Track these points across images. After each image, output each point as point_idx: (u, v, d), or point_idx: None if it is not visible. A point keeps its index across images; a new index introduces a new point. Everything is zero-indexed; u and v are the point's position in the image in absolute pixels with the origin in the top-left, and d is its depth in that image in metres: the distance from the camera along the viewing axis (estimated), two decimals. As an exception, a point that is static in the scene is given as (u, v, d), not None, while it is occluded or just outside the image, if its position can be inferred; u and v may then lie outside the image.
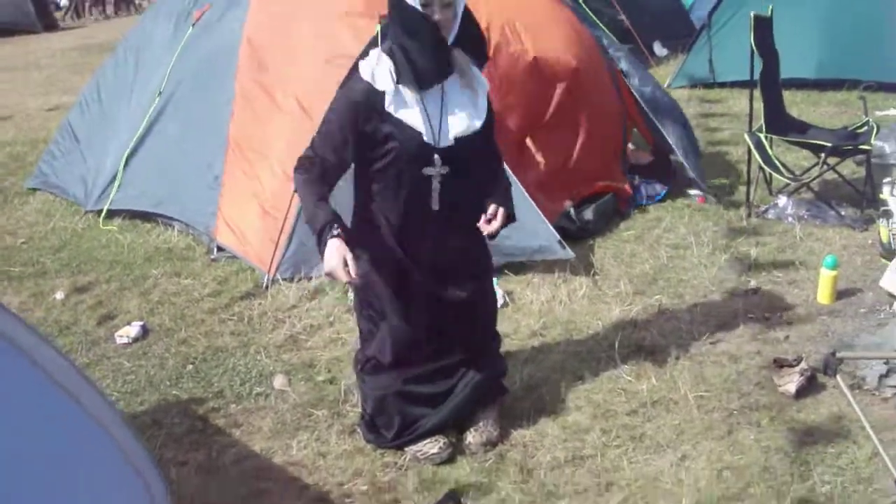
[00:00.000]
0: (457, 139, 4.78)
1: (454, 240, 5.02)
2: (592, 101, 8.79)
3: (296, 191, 5.00)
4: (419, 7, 4.58)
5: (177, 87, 9.01)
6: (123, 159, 9.18)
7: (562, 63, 8.44)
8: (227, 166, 8.11)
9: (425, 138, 4.72)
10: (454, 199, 4.88)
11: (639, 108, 9.44)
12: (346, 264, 4.59)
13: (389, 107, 4.70)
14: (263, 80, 8.09)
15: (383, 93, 4.71)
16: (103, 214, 9.18)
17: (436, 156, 4.77)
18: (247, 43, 8.35)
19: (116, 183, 9.19)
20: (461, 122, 4.80)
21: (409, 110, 4.72)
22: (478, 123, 4.84)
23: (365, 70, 4.76)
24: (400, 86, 4.69)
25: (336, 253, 4.59)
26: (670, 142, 8.98)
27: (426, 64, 4.66)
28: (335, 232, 4.63)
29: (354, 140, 4.78)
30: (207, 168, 8.28)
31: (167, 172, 8.83)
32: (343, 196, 5.16)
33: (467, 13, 4.74)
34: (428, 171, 4.79)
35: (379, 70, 4.73)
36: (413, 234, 4.98)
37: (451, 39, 4.65)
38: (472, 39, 4.81)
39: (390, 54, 4.70)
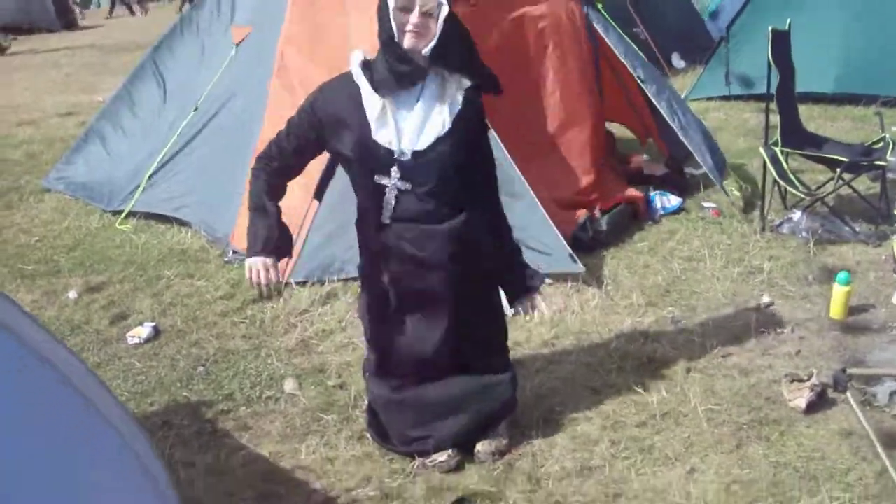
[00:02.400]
0: (416, 153, 4.74)
1: (419, 262, 4.94)
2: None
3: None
4: (393, 10, 4.60)
5: (213, 104, 9.07)
6: (152, 168, 9.23)
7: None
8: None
9: (383, 143, 4.72)
10: (412, 219, 4.85)
11: (655, 118, 9.45)
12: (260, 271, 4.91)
13: (364, 100, 4.74)
14: (294, 97, 8.09)
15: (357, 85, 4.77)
16: (123, 214, 9.22)
17: (394, 167, 4.75)
18: (280, 69, 8.36)
19: (140, 187, 9.22)
20: (421, 135, 4.76)
21: (376, 110, 4.73)
22: (430, 139, 4.75)
23: (352, 61, 4.85)
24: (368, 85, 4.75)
25: (256, 263, 4.93)
26: (690, 148, 8.97)
27: (384, 71, 4.69)
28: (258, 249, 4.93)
29: (320, 124, 4.89)
30: (232, 179, 8.30)
31: (191, 181, 8.91)
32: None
33: (458, 31, 4.73)
34: (381, 179, 4.78)
35: (355, 66, 4.82)
36: (372, 244, 5.00)
37: (426, 49, 4.60)
38: (458, 57, 4.76)
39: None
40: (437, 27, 4.59)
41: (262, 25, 8.97)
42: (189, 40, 9.94)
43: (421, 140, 4.73)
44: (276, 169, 5.04)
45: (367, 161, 4.76)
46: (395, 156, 4.71)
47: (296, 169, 5.11)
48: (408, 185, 4.75)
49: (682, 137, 9.05)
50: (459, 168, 4.84)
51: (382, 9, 4.65)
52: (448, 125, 4.75)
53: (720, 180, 8.93)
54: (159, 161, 9.20)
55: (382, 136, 4.71)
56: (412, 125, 4.73)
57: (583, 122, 8.94)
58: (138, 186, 9.27)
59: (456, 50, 4.71)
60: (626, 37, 9.39)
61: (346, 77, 4.85)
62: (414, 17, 4.55)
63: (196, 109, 9.09)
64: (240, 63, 8.99)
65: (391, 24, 4.60)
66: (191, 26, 10.00)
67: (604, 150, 9.43)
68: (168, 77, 10.02)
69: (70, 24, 31.70)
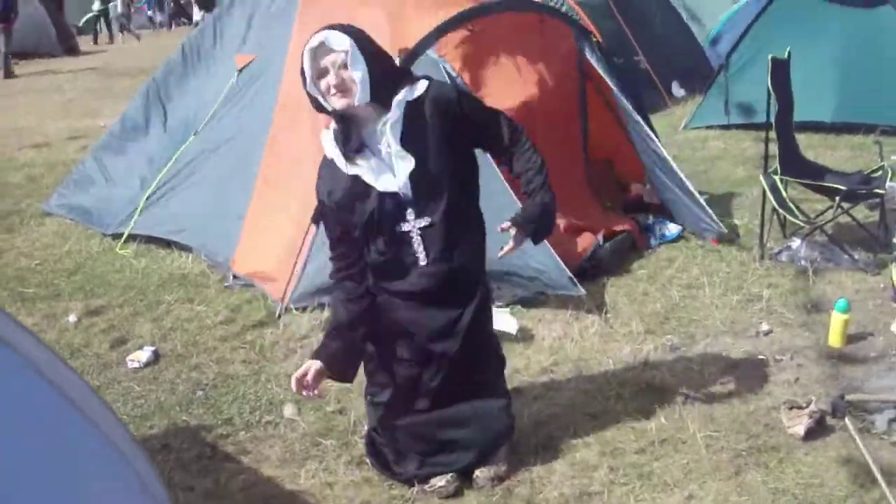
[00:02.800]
0: (414, 182, 4.74)
1: (447, 295, 4.99)
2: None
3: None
4: (311, 81, 4.63)
5: (214, 130, 9.13)
6: (149, 189, 9.26)
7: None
8: (251, 201, 8.18)
9: (387, 189, 4.74)
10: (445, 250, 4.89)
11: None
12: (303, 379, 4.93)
13: (346, 168, 4.75)
14: (295, 124, 8.12)
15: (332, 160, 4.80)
16: (123, 238, 9.25)
17: (409, 209, 4.78)
18: (283, 95, 8.42)
19: (138, 210, 9.24)
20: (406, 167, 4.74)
21: (360, 168, 4.75)
22: (410, 165, 4.73)
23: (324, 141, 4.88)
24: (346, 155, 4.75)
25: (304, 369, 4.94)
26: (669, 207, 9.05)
27: (342, 136, 4.73)
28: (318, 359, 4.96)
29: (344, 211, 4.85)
30: (233, 204, 8.35)
31: (191, 206, 8.93)
32: None
33: (375, 57, 4.69)
34: (403, 227, 4.80)
35: (326, 142, 4.85)
36: (405, 287, 4.97)
37: (362, 97, 4.56)
38: (388, 81, 4.72)
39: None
40: (359, 73, 4.55)
41: (264, 54, 9.01)
42: (191, 67, 9.97)
43: (405, 170, 4.74)
44: (351, 270, 4.99)
45: (386, 214, 4.77)
46: (403, 198, 4.73)
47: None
48: (426, 220, 4.79)
49: (661, 193, 9.10)
50: (452, 175, 4.87)
51: (305, 84, 4.68)
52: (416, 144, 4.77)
53: (713, 227, 8.89)
54: (157, 184, 9.24)
55: (383, 183, 4.72)
56: (394, 161, 4.75)
57: (571, 152, 8.99)
58: (136, 209, 9.29)
59: (383, 78, 4.67)
60: (613, 76, 9.36)
61: (323, 160, 4.93)
62: (332, 79, 4.56)
63: (196, 134, 9.12)
64: (241, 90, 9.02)
65: (316, 96, 4.66)
66: (193, 53, 10.03)
67: (586, 179, 9.44)
68: (169, 103, 10.05)
69: (72, 49, 31.86)
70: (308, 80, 4.61)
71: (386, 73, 4.69)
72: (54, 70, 26.54)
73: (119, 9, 40.69)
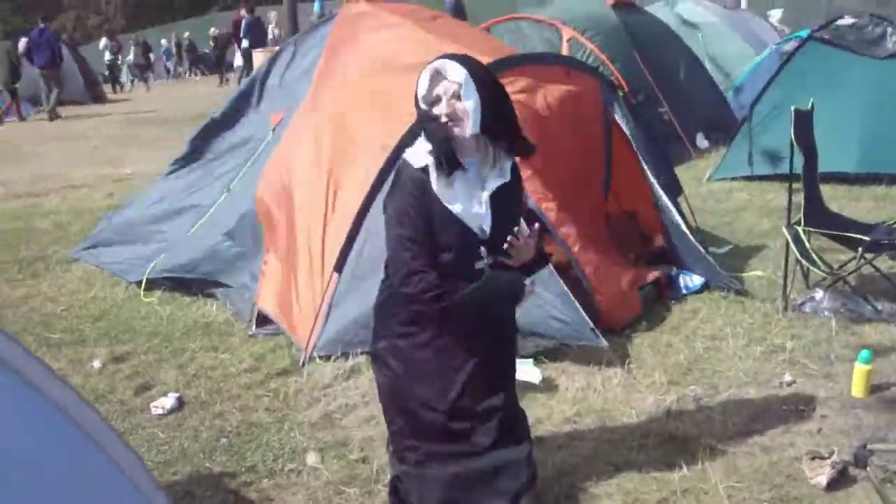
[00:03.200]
0: (494, 228, 4.75)
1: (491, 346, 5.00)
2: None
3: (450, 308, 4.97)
4: (424, 106, 4.65)
5: (246, 187, 9.17)
6: (177, 243, 9.37)
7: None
8: (276, 251, 8.23)
9: (472, 228, 4.73)
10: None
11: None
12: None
13: (438, 191, 4.70)
14: (321, 173, 8.18)
15: (428, 179, 4.72)
16: (143, 284, 9.31)
17: (482, 247, 4.77)
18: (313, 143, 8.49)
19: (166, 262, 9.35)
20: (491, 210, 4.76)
21: (452, 198, 4.72)
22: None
23: (412, 156, 4.80)
24: (441, 175, 4.68)
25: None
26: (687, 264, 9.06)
27: (441, 158, 4.66)
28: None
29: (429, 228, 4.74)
30: (256, 252, 8.42)
31: (218, 254, 8.99)
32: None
33: (498, 97, 4.73)
34: (479, 264, 4.79)
35: (423, 154, 4.73)
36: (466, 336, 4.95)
37: (471, 129, 4.58)
38: (504, 125, 4.76)
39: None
40: (471, 103, 4.58)
41: (292, 111, 9.11)
42: (230, 124, 10.08)
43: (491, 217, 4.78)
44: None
45: (462, 250, 4.78)
46: (480, 237, 4.76)
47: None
48: (490, 260, 4.81)
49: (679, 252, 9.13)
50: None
51: (420, 115, 4.72)
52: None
53: (730, 283, 8.90)
54: (186, 235, 9.30)
55: (470, 219, 4.73)
56: (484, 204, 4.77)
57: (596, 207, 9.01)
58: (159, 259, 9.37)
59: (494, 112, 4.69)
60: (637, 131, 9.37)
61: (414, 172, 4.77)
62: (444, 108, 4.58)
63: (229, 191, 9.18)
64: (276, 146, 9.09)
65: (433, 124, 4.63)
66: (237, 109, 10.14)
67: (609, 232, 9.45)
68: (204, 161, 10.14)
69: (98, 97, 32.14)
70: (420, 102, 4.66)
71: (498, 110, 4.71)
72: (81, 117, 26.74)
73: (132, 58, 41.28)
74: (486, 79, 4.70)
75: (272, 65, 10.16)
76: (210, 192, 9.69)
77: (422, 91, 4.65)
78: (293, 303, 7.89)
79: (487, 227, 4.75)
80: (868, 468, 5.58)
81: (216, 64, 40.94)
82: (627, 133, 9.07)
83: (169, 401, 7.08)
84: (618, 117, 9.07)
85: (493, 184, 4.76)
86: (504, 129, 4.76)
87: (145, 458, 6.24)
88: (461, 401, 4.96)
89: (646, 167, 9.05)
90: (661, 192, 9.02)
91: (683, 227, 9.10)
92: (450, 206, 4.67)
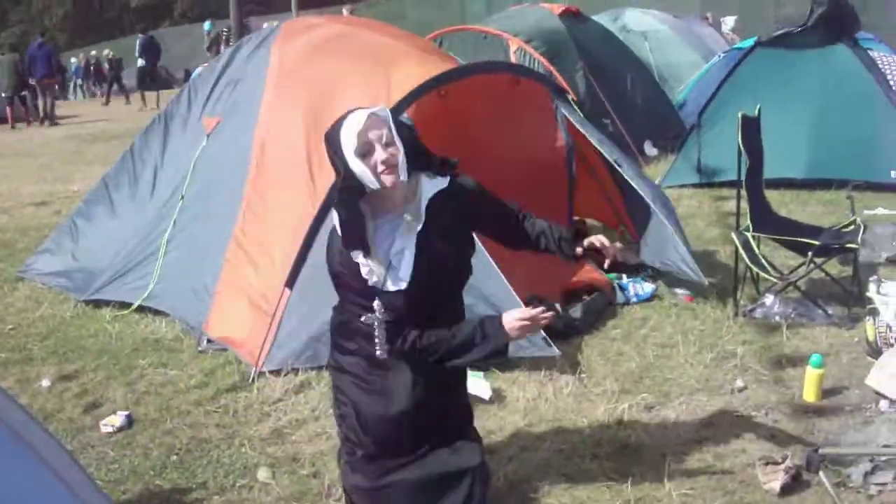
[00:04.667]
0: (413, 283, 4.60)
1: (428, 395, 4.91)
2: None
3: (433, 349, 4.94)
4: (353, 159, 4.42)
5: (189, 194, 9.09)
6: (124, 256, 9.26)
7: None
8: (225, 263, 8.16)
9: (369, 280, 4.58)
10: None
11: (627, 205, 9.53)
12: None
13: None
14: (269, 183, 8.15)
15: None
16: (133, 307, 9.21)
17: (377, 301, 4.60)
18: (258, 150, 8.48)
19: (115, 277, 9.23)
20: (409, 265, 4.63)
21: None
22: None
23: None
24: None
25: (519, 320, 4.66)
26: (670, 228, 8.97)
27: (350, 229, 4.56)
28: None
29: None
30: (206, 268, 8.35)
31: (166, 270, 8.89)
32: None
33: (405, 130, 4.65)
34: (368, 318, 4.64)
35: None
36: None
37: (403, 175, 4.45)
38: (427, 158, 4.68)
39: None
40: (399, 145, 4.46)
41: (230, 117, 9.07)
42: (165, 133, 10.00)
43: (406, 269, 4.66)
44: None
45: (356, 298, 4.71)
46: (381, 288, 4.63)
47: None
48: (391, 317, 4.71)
49: (663, 219, 9.06)
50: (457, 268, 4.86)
51: (339, 163, 4.50)
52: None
53: (698, 273, 8.89)
54: (131, 251, 9.22)
55: (392, 283, 4.61)
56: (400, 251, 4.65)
57: (555, 214, 9.01)
58: (113, 276, 9.28)
59: (413, 153, 4.58)
60: (594, 131, 9.39)
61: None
62: (380, 155, 4.39)
63: (182, 199, 9.10)
64: (212, 154, 9.02)
65: (360, 174, 4.44)
66: (171, 118, 10.06)
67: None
68: (144, 168, 10.06)
69: (47, 116, 32.03)
70: (349, 157, 4.45)
71: (413, 147, 4.59)
72: (27, 135, 26.62)
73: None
74: (395, 120, 4.62)
75: (203, 77, 10.17)
76: (154, 202, 9.59)
77: (349, 145, 4.51)
78: (243, 318, 7.83)
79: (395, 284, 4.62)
80: (821, 472, 5.59)
81: (110, 84, 40.88)
82: (587, 134, 9.06)
83: (118, 419, 7.01)
84: (573, 120, 9.07)
85: (412, 233, 4.62)
86: (426, 159, 4.69)
87: (95, 477, 6.18)
88: (413, 412, 4.94)
89: (611, 154, 9.03)
90: (632, 180, 8.98)
91: (663, 203, 9.07)
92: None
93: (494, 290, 7.34)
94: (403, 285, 4.54)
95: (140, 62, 34.37)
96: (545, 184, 9.09)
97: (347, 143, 4.41)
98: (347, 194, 4.49)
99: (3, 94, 30.80)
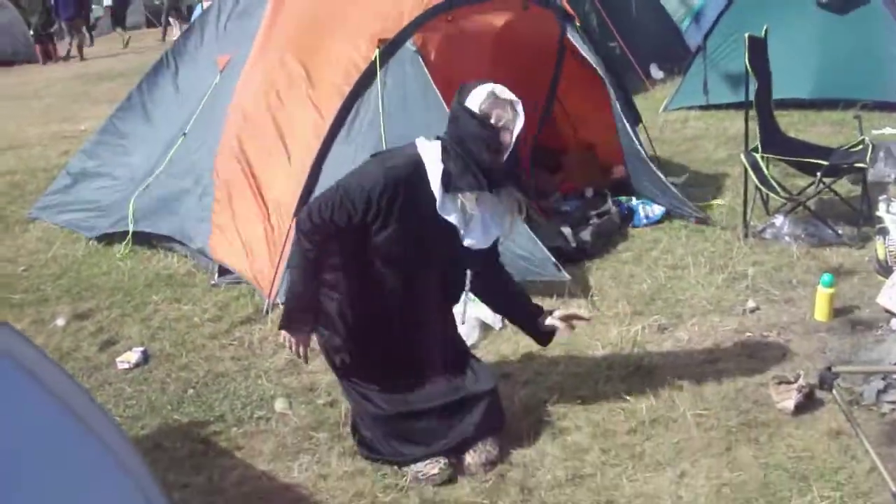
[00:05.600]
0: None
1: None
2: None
3: (293, 257, 5.18)
4: (487, 129, 4.75)
5: (198, 131, 9.10)
6: (136, 192, 9.26)
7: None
8: (232, 194, 8.15)
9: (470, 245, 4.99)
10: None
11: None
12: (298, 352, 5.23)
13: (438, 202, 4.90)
14: (275, 113, 8.12)
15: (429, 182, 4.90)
16: (126, 244, 9.25)
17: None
18: (258, 77, 8.47)
19: (129, 214, 9.24)
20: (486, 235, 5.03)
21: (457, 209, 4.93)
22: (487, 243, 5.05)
23: (425, 150, 4.93)
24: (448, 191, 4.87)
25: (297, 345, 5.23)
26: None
27: (469, 175, 4.81)
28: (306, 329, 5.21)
29: (377, 212, 4.88)
30: (207, 193, 8.35)
31: (174, 203, 8.92)
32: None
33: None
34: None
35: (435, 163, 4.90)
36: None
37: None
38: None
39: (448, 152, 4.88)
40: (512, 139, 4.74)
41: (238, 50, 9.02)
42: (174, 70, 9.97)
43: (486, 239, 5.04)
44: (322, 241, 5.07)
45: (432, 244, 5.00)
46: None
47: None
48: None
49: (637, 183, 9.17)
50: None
51: (469, 121, 4.80)
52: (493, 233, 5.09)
53: (692, 212, 8.93)
54: (143, 186, 9.21)
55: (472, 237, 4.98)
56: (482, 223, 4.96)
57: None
58: (125, 210, 9.28)
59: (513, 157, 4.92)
60: (598, 58, 9.34)
61: (414, 162, 4.97)
62: (507, 137, 4.77)
63: (185, 135, 9.09)
64: (223, 89, 9.00)
65: (483, 141, 4.77)
66: (179, 56, 10.01)
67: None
68: (154, 107, 10.04)
69: (49, 55, 31.88)
70: (479, 110, 4.76)
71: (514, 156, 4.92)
72: (32, 77, 26.50)
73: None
74: None
75: (209, 10, 10.13)
76: (163, 138, 9.57)
77: (488, 107, 4.74)
78: (253, 251, 7.84)
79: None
80: (834, 391, 5.60)
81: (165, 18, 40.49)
82: (591, 61, 9.03)
83: (134, 355, 7.05)
84: (578, 45, 9.03)
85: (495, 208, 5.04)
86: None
87: (113, 413, 6.23)
88: (406, 337, 5.11)
89: (609, 86, 9.02)
90: (624, 120, 8.99)
91: (644, 155, 9.10)
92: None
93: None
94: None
95: None
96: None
97: (486, 103, 4.79)
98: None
99: (31, 34, 30.80)
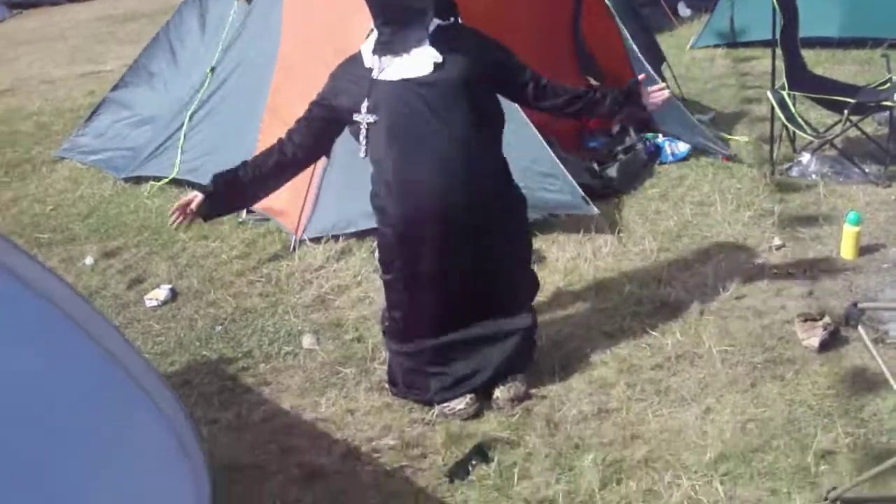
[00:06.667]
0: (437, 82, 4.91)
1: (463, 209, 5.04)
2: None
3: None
4: None
5: (227, 68, 9.08)
6: (169, 133, 9.27)
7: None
8: (260, 134, 8.16)
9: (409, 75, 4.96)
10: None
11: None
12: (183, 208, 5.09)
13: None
14: (305, 49, 8.09)
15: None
16: (167, 179, 9.29)
17: (365, 101, 5.02)
18: (289, 18, 8.42)
19: (176, 164, 9.25)
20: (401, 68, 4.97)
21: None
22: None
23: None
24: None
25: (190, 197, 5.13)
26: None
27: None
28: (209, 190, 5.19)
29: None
30: (243, 139, 8.35)
31: (205, 145, 8.94)
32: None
33: None
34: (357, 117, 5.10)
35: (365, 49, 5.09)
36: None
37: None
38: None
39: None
40: None
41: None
42: (200, 9, 9.95)
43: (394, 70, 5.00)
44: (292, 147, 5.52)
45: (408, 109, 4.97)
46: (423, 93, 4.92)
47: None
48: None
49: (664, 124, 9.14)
50: (466, 96, 4.97)
51: None
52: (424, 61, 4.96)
53: (719, 149, 8.93)
54: (169, 126, 9.23)
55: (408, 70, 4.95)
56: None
57: (564, 70, 8.97)
58: (153, 153, 9.32)
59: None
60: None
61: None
62: None
63: (212, 71, 9.09)
64: (251, 27, 8.97)
65: None
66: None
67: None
68: (181, 45, 10.05)
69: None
70: None
71: None
72: (57, 18, 26.46)
73: None
74: None
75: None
76: (185, 79, 9.58)
77: None
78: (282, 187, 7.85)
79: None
80: (859, 328, 5.59)
81: None
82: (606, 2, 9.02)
83: (162, 292, 7.11)
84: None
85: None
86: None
87: (142, 349, 6.29)
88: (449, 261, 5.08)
89: (625, 33, 9.00)
90: (642, 59, 8.96)
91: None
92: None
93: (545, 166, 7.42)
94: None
95: None
96: (555, 41, 9.05)
97: None
98: None
99: None
